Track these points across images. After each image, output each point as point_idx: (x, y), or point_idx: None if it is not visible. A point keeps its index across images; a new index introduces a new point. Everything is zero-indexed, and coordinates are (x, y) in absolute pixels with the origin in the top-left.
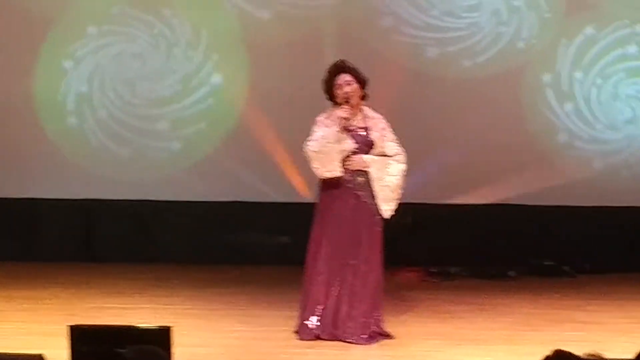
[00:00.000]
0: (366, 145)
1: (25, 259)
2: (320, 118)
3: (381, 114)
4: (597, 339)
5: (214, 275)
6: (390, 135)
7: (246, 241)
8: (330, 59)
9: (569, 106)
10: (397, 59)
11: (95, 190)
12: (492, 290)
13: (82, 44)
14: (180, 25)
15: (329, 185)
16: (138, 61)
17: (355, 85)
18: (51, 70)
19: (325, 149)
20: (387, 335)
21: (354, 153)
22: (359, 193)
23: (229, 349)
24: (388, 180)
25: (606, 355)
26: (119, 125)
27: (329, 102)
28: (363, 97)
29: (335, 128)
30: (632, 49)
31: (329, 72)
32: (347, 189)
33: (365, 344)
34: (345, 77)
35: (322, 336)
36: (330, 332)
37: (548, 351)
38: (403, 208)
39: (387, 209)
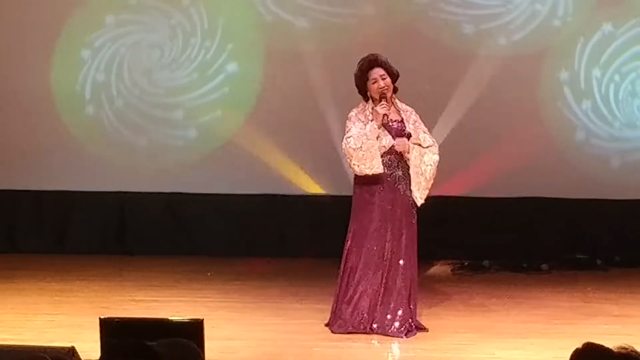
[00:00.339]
0: (402, 138)
1: (58, 251)
2: (353, 113)
3: (417, 90)
4: (629, 332)
5: (247, 268)
6: (423, 127)
7: (280, 234)
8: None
9: (587, 104)
10: (433, 35)
11: (113, 180)
12: (525, 284)
13: (101, 34)
14: (198, 14)
15: (367, 179)
16: (156, 50)
17: (388, 79)
18: (69, 59)
19: (366, 145)
20: (423, 329)
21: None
22: (398, 187)
23: (262, 342)
24: (424, 169)
25: (638, 348)
26: (136, 114)
27: (344, 90)
28: (395, 91)
29: (374, 124)
30: None
31: (361, 66)
32: (387, 182)
33: (402, 337)
34: (379, 72)
35: (356, 330)
36: (366, 325)
37: (580, 344)
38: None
39: (419, 196)
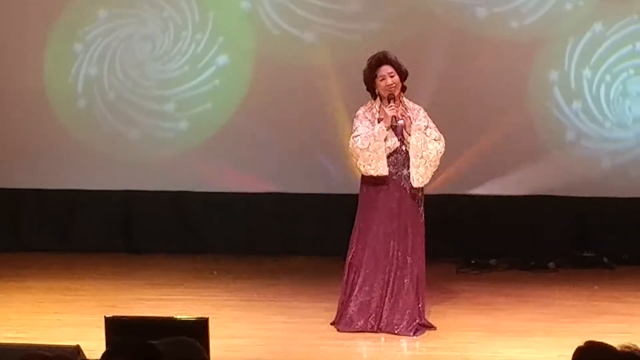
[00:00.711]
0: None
1: (64, 249)
2: (360, 112)
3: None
4: (636, 330)
5: (253, 267)
6: (431, 123)
7: (285, 232)
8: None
9: (576, 104)
10: (446, 18)
11: (106, 173)
12: (531, 282)
13: (93, 27)
14: (189, 7)
15: (373, 178)
16: (147, 43)
17: (397, 77)
18: (62, 53)
19: (373, 147)
20: (430, 327)
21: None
22: (404, 185)
23: (267, 341)
24: (425, 155)
25: None
26: (128, 107)
27: (336, 81)
28: (403, 89)
29: (383, 125)
30: None
31: (370, 64)
32: (392, 181)
33: (410, 336)
34: (387, 69)
35: (362, 328)
36: (373, 324)
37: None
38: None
39: (417, 177)
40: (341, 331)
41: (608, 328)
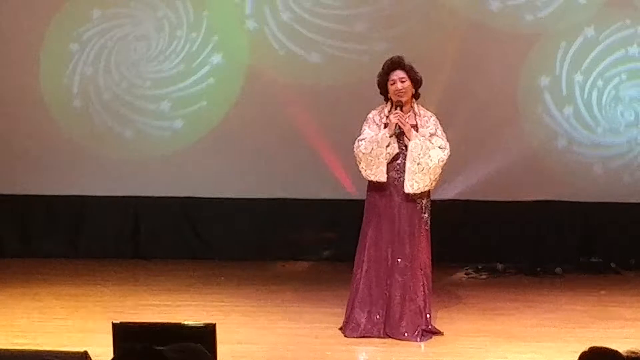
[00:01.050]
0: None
1: (71, 256)
2: (370, 115)
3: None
4: None
5: (260, 272)
6: (439, 132)
7: (293, 238)
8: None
9: (568, 110)
10: (461, 10)
11: (108, 176)
12: (539, 287)
13: (88, 27)
14: (183, 7)
15: (376, 183)
16: (143, 43)
17: (408, 83)
18: (57, 53)
19: (375, 152)
20: (437, 332)
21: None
22: (404, 191)
23: (274, 346)
24: (424, 162)
25: None
26: (123, 106)
27: (328, 81)
28: (416, 96)
29: (387, 132)
30: (633, 50)
31: (384, 68)
32: (394, 186)
33: (416, 341)
34: (399, 74)
35: (369, 334)
36: (380, 329)
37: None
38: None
39: (411, 184)
40: (348, 337)
41: (615, 333)
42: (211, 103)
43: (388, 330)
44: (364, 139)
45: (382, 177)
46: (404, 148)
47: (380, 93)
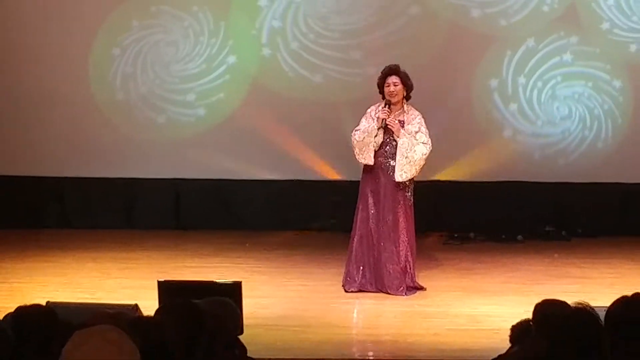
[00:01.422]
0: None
1: (125, 227)
2: (369, 110)
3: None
4: (588, 290)
5: (278, 240)
6: (423, 129)
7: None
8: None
9: (513, 106)
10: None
11: (140, 151)
12: (503, 252)
13: (128, 35)
14: (205, 17)
15: (368, 166)
16: (172, 47)
17: (400, 87)
18: (103, 56)
19: (366, 140)
20: (421, 288)
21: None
22: (390, 174)
23: (289, 300)
24: (410, 156)
25: (594, 304)
26: (157, 98)
27: (332, 71)
28: (407, 98)
29: (375, 125)
30: (566, 57)
31: (383, 73)
32: (381, 170)
33: (402, 295)
34: (394, 79)
35: (364, 288)
36: (372, 284)
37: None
38: None
39: (400, 174)
40: (347, 291)
41: (566, 288)
42: (227, 95)
43: (378, 284)
44: (359, 129)
45: (370, 161)
46: (389, 138)
47: (379, 92)
